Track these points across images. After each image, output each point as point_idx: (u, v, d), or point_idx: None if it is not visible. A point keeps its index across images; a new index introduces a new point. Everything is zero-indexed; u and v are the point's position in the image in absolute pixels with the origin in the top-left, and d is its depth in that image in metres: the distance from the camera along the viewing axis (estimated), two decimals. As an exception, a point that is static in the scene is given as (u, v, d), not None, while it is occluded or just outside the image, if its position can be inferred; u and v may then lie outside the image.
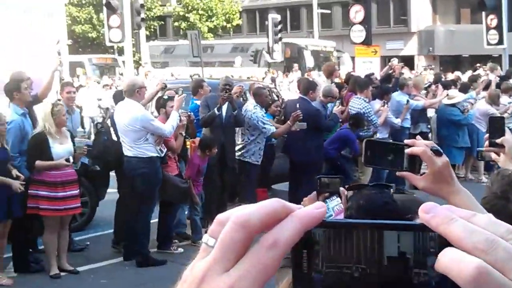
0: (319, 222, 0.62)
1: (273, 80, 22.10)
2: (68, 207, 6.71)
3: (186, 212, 8.38)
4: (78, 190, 6.89)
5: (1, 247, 6.43)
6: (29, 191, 6.53)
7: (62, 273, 6.77)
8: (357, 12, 16.09)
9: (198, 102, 8.61)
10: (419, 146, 1.79)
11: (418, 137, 2.10)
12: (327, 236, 0.63)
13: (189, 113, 7.98)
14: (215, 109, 8.20)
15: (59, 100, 7.39)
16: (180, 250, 7.86)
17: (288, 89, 21.84)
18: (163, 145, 7.35)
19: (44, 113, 6.57)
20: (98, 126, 7.84)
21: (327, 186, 2.90)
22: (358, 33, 16.08)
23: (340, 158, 9.40)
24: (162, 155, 7.34)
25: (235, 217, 0.59)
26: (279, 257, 0.59)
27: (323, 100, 9.48)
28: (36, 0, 18.83)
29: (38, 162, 6.51)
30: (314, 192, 2.92)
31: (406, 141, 1.83)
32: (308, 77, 16.25)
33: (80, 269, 7.03)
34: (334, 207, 2.87)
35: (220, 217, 0.61)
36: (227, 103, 8.31)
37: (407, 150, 1.83)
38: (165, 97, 7.89)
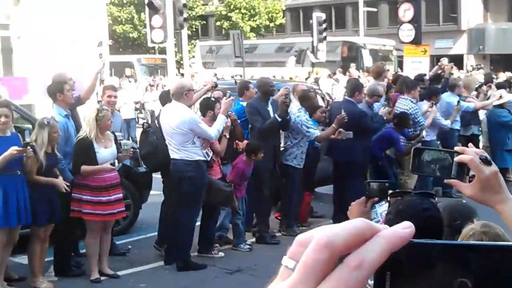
0: (406, 243, 0.60)
1: (317, 80, 21.99)
2: (112, 212, 6.75)
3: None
4: (122, 194, 6.93)
5: (43, 251, 6.51)
6: (72, 194, 6.59)
7: (103, 277, 6.83)
8: (406, 11, 15.89)
9: (244, 104, 8.59)
10: (468, 154, 1.78)
11: (470, 144, 2.06)
12: (413, 258, 0.61)
13: (230, 113, 7.88)
14: (276, 115, 8.18)
15: (99, 101, 7.43)
16: (221, 254, 7.86)
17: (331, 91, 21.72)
18: (209, 148, 7.36)
19: (88, 118, 6.62)
20: (144, 126, 7.86)
21: (376, 191, 2.88)
22: (407, 32, 15.90)
23: (383, 159, 9.31)
24: (209, 158, 7.35)
25: (318, 237, 0.58)
26: (364, 279, 0.58)
27: (368, 100, 9.37)
28: (79, 1, 19.19)
29: (84, 167, 6.57)
30: (363, 197, 2.90)
31: (456, 148, 1.83)
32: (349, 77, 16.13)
33: (120, 273, 7.08)
34: (382, 213, 2.83)
35: (300, 238, 0.61)
36: (270, 104, 8.33)
37: (456, 158, 1.82)
38: (213, 98, 7.86)
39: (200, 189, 7.21)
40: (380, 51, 30.42)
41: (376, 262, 0.58)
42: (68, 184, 6.41)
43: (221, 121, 7.30)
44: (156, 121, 7.72)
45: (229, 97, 7.72)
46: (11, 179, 6.10)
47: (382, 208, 2.87)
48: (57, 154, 6.46)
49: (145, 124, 7.92)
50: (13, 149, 5.98)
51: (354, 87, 9.36)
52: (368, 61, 28.41)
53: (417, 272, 0.61)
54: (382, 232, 0.60)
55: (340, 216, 9.24)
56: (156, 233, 8.03)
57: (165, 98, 7.85)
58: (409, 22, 15.82)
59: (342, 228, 0.59)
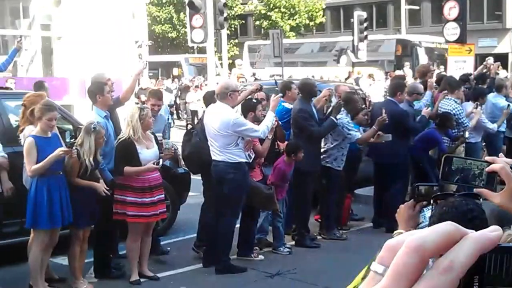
0: (495, 246, 0.61)
1: (357, 81, 21.83)
2: (155, 213, 6.73)
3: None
4: (163, 194, 6.93)
5: (82, 252, 6.57)
6: (115, 196, 6.60)
7: (142, 279, 6.86)
8: (451, 9, 15.65)
9: (286, 104, 8.52)
10: (499, 163, 1.79)
11: (501, 154, 2.06)
12: (501, 262, 0.62)
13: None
14: (332, 117, 8.18)
15: (137, 103, 7.43)
16: (261, 257, 7.83)
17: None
18: (252, 150, 7.34)
19: (131, 118, 6.61)
20: (189, 127, 7.87)
21: (425, 195, 2.86)
22: (452, 31, 15.65)
23: (425, 160, 9.21)
24: (251, 160, 7.32)
25: (408, 241, 0.59)
26: (454, 282, 0.59)
27: (408, 99, 9.27)
28: (119, 1, 19.39)
29: (127, 168, 6.57)
30: (412, 200, 2.88)
31: (486, 158, 1.84)
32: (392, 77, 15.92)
33: (160, 275, 7.10)
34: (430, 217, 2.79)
35: (389, 243, 0.61)
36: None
37: (486, 168, 1.83)
38: (254, 100, 7.82)
39: (241, 192, 7.19)
40: (436, 49, 29.58)
41: (465, 264, 0.59)
42: (107, 188, 6.42)
43: (270, 118, 7.23)
44: (200, 122, 7.71)
45: (277, 94, 7.65)
46: (54, 180, 6.16)
47: (431, 212, 2.85)
48: (100, 159, 6.50)
49: (189, 125, 7.92)
50: (59, 150, 6.04)
51: (396, 87, 9.28)
52: (423, 59, 27.64)
53: (506, 276, 0.62)
54: (471, 235, 0.61)
55: (380, 219, 9.20)
56: (195, 235, 8.03)
57: (209, 99, 7.82)
58: (454, 20, 15.58)
59: (431, 231, 0.60)
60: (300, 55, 33.62)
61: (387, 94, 10.12)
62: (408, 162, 9.17)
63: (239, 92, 7.49)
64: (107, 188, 6.40)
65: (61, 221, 6.19)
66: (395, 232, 2.75)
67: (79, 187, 6.31)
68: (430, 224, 2.72)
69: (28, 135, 6.22)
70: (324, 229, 8.84)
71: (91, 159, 6.25)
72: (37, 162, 6.02)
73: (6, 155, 6.48)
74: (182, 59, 32.47)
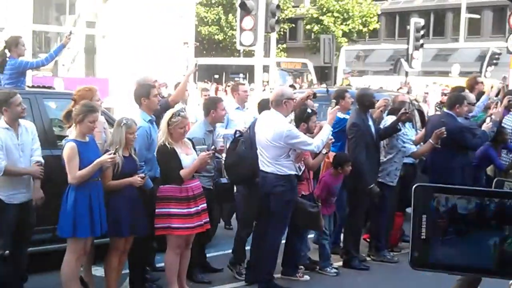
0: None
1: (409, 91, 21.49)
2: (199, 224, 6.57)
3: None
4: (206, 203, 6.72)
5: (121, 264, 6.48)
6: (158, 210, 6.44)
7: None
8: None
9: (339, 114, 8.25)
10: None
11: None
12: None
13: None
14: (397, 125, 8.13)
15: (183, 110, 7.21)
16: (306, 277, 7.65)
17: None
18: (302, 162, 7.18)
19: (162, 121, 6.52)
20: (237, 134, 7.67)
21: None
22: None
23: (482, 179, 9.04)
24: (300, 173, 7.16)
25: None
26: None
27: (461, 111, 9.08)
28: (169, 1, 19.47)
29: (184, 171, 6.40)
30: None
31: None
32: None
33: (198, 291, 6.99)
34: None
35: None
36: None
37: None
38: (309, 110, 7.62)
39: (288, 206, 7.02)
40: None
41: None
42: (141, 177, 6.26)
43: (326, 133, 7.06)
44: (249, 130, 7.52)
45: (334, 106, 7.48)
46: (94, 187, 6.06)
47: None
48: (136, 159, 6.37)
49: (237, 132, 7.68)
50: (107, 157, 5.95)
51: (455, 100, 8.97)
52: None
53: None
54: None
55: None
56: (230, 251, 7.84)
57: (264, 106, 7.57)
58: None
59: None
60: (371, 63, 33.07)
61: (442, 106, 9.91)
62: (467, 181, 8.88)
63: (294, 100, 7.29)
64: (141, 177, 6.24)
65: (100, 230, 6.09)
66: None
67: (121, 194, 6.20)
68: None
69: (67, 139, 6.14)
70: (374, 250, 8.61)
71: (120, 152, 6.13)
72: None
73: (42, 161, 6.37)
74: (271, 63, 31.22)
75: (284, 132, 6.83)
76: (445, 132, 8.12)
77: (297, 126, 7.29)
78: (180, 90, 7.98)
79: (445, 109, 9.38)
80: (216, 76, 29.53)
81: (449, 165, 8.49)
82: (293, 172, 7.01)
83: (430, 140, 8.29)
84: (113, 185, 6.21)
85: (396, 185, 8.56)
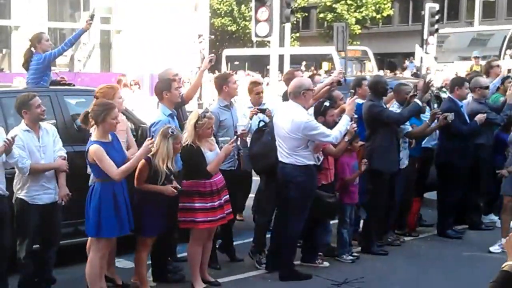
0: None
1: (417, 75, 21.37)
2: (222, 216, 6.67)
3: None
4: (228, 195, 6.81)
5: (147, 257, 6.58)
6: (181, 204, 6.52)
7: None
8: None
9: (358, 100, 8.23)
10: None
11: None
12: None
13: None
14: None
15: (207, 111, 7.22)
16: (326, 264, 7.74)
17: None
18: (321, 152, 7.24)
19: (188, 123, 6.52)
20: (260, 124, 7.73)
21: None
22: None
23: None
24: (319, 163, 7.20)
25: None
26: None
27: (474, 96, 9.24)
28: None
29: (211, 166, 6.48)
30: None
31: None
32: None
33: (221, 280, 7.08)
34: None
35: None
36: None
37: None
38: (326, 103, 7.61)
39: (308, 195, 7.09)
40: None
41: None
42: (174, 187, 6.27)
43: (344, 123, 7.07)
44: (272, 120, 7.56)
45: (353, 97, 7.45)
46: (118, 185, 6.05)
47: None
48: (173, 164, 6.33)
49: (262, 122, 7.75)
50: (148, 143, 5.98)
51: (454, 83, 9.28)
52: None
53: None
54: None
55: (443, 225, 9.16)
56: (251, 240, 7.93)
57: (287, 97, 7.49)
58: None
59: None
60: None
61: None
62: (467, 165, 9.01)
63: (313, 91, 7.27)
64: (175, 187, 6.27)
65: (128, 227, 6.12)
66: (505, 264, 2.56)
67: (148, 196, 6.23)
68: None
69: (89, 141, 6.10)
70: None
71: (169, 164, 6.14)
72: None
73: (65, 155, 6.41)
74: (333, 51, 30.58)
75: (302, 124, 6.85)
76: (438, 112, 8.43)
77: (315, 118, 7.28)
78: (195, 85, 7.96)
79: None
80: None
81: (447, 148, 8.95)
82: (311, 162, 7.04)
83: (426, 121, 8.54)
84: (145, 188, 6.23)
85: (405, 169, 8.59)
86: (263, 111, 7.89)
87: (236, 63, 30.53)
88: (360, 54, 31.11)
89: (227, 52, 34.97)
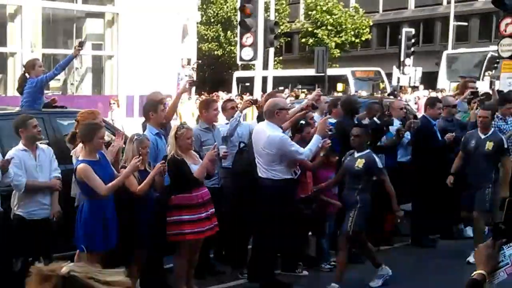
0: None
1: (394, 94, 21.57)
2: (210, 227, 6.75)
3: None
4: (214, 208, 6.88)
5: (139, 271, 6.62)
6: (169, 218, 6.57)
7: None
8: (507, 25, 15.53)
9: (331, 120, 8.43)
10: None
11: None
12: None
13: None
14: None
15: (185, 123, 7.44)
16: (305, 273, 7.83)
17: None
18: (297, 166, 7.29)
19: (170, 138, 6.69)
20: (241, 145, 7.88)
21: (504, 233, 2.70)
22: (507, 47, 15.54)
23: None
24: (296, 177, 7.28)
25: None
26: None
27: (442, 114, 9.40)
28: (171, 21, 19.71)
29: (195, 172, 6.56)
30: (490, 239, 2.72)
31: None
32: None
33: (206, 290, 7.14)
34: (511, 255, 2.66)
35: None
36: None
37: None
38: (303, 122, 7.76)
39: (285, 209, 7.16)
40: None
41: None
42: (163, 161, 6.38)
43: (315, 142, 7.13)
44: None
45: (326, 117, 7.60)
46: (106, 201, 6.12)
47: (510, 250, 2.73)
48: (149, 171, 6.47)
49: (242, 143, 7.89)
50: (135, 160, 6.03)
51: (426, 102, 9.69)
52: None
53: None
54: None
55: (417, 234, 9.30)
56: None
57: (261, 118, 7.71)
58: (510, 36, 15.46)
59: None
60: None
61: None
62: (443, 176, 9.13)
63: (287, 110, 7.38)
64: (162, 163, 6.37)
65: (115, 241, 6.17)
66: (474, 273, 2.63)
67: (144, 209, 6.27)
68: None
69: (76, 160, 6.21)
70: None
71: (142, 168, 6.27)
72: None
73: (60, 175, 6.56)
74: (348, 72, 30.60)
75: (277, 138, 6.98)
76: (402, 130, 8.86)
77: (293, 136, 7.45)
78: (172, 106, 8.04)
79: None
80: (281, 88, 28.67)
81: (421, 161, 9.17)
82: (288, 176, 7.14)
83: (393, 138, 8.93)
84: (143, 189, 6.27)
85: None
86: (255, 102, 8.04)
87: (247, 84, 30.43)
88: (373, 75, 31.05)
89: (237, 74, 35.03)
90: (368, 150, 7.39)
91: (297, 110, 7.90)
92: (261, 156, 7.15)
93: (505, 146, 8.21)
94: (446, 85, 27.45)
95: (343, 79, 30.50)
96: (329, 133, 7.59)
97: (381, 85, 30.22)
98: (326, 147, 7.39)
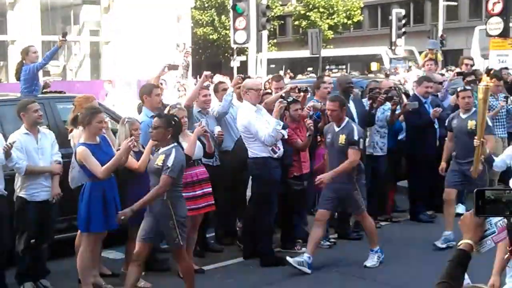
0: None
1: (387, 75, 21.40)
2: (207, 204, 6.80)
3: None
4: (211, 188, 6.89)
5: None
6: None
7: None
8: (495, 4, 15.52)
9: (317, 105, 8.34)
10: None
11: None
12: None
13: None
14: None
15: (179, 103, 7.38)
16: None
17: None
18: (276, 145, 7.19)
19: None
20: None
21: (494, 200, 2.56)
22: (495, 25, 15.56)
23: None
24: (275, 155, 7.18)
25: None
26: None
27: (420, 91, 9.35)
28: (165, 6, 19.59)
29: (185, 149, 6.35)
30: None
31: None
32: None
33: (206, 268, 7.13)
34: (497, 223, 2.60)
35: None
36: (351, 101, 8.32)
37: None
38: (290, 98, 7.68)
39: (269, 187, 7.18)
40: None
41: None
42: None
43: (274, 125, 7.02)
44: None
45: (282, 101, 7.31)
46: (107, 182, 6.11)
47: (497, 217, 2.65)
48: (141, 148, 6.52)
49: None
50: (128, 141, 5.97)
51: (415, 80, 10.05)
52: None
53: None
54: None
55: (415, 210, 9.32)
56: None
57: None
58: (498, 15, 15.43)
59: None
60: None
61: None
62: (431, 154, 9.07)
63: (258, 90, 7.43)
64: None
65: (115, 223, 6.07)
66: (460, 242, 2.57)
67: (135, 188, 6.24)
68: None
69: (77, 143, 6.21)
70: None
71: (121, 147, 6.22)
72: None
73: (61, 160, 6.54)
74: (383, 52, 29.65)
75: (244, 118, 7.21)
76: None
77: (283, 115, 7.41)
78: (193, 93, 7.84)
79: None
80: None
81: (411, 140, 9.28)
82: (265, 154, 7.14)
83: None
84: (143, 164, 6.27)
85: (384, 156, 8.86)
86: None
87: (272, 66, 29.78)
88: (407, 54, 30.49)
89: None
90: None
91: (272, 100, 7.60)
92: (242, 135, 7.37)
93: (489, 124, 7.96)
94: (480, 62, 26.78)
95: (377, 58, 30.10)
96: (310, 113, 7.72)
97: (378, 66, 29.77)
98: (311, 128, 7.39)
